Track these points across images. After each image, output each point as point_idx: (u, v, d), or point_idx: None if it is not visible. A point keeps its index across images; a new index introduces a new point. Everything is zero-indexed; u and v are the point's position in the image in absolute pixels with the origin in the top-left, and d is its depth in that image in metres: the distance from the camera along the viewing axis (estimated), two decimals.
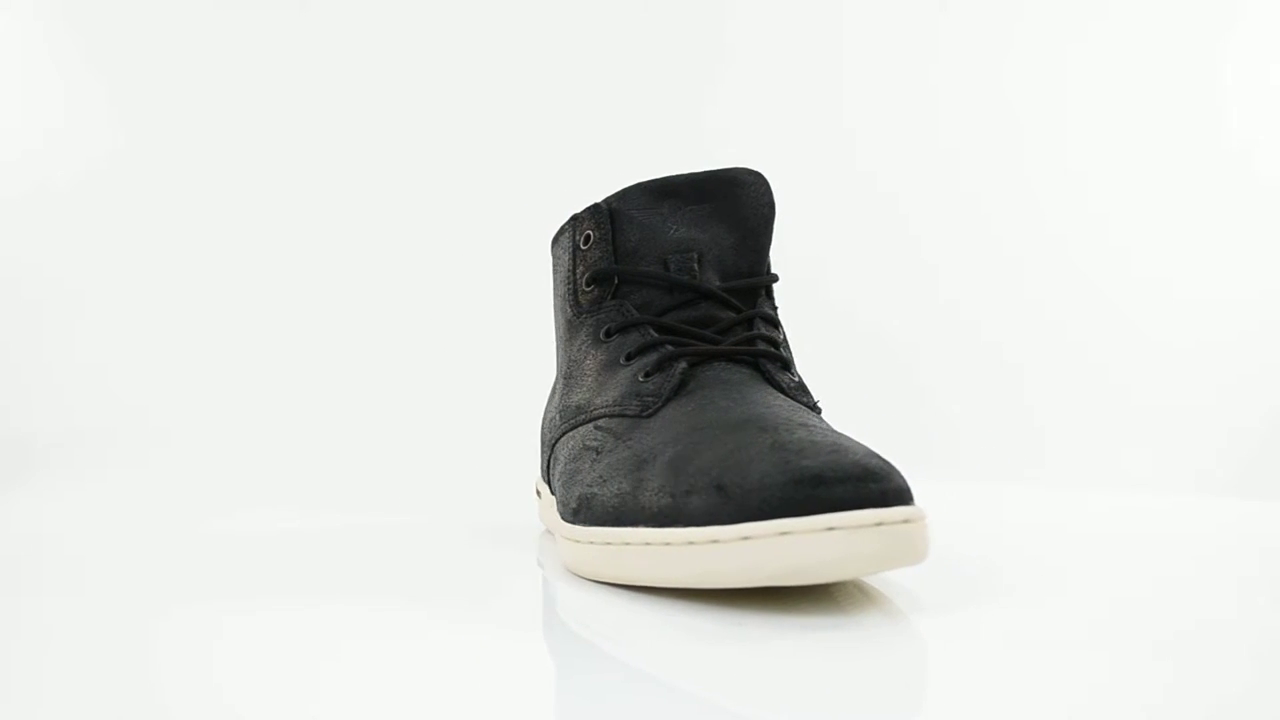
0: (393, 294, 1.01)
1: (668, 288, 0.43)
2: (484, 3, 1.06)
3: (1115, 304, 0.95)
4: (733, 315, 0.43)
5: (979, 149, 1.01)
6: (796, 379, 0.43)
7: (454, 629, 0.33)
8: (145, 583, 0.42)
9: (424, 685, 0.27)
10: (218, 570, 0.44)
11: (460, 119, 1.05)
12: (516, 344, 0.93)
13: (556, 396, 0.48)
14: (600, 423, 0.42)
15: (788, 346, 0.45)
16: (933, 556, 0.45)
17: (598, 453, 0.41)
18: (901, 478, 0.33)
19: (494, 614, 0.35)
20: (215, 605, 0.37)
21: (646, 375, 0.41)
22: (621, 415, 0.41)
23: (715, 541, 0.32)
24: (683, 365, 0.41)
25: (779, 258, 0.48)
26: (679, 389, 0.40)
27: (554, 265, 0.49)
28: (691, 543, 0.33)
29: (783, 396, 0.40)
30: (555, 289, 0.49)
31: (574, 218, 0.47)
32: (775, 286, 0.46)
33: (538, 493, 0.54)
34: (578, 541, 0.40)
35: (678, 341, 0.42)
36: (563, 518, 0.42)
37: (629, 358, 0.42)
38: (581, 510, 0.39)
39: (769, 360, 0.42)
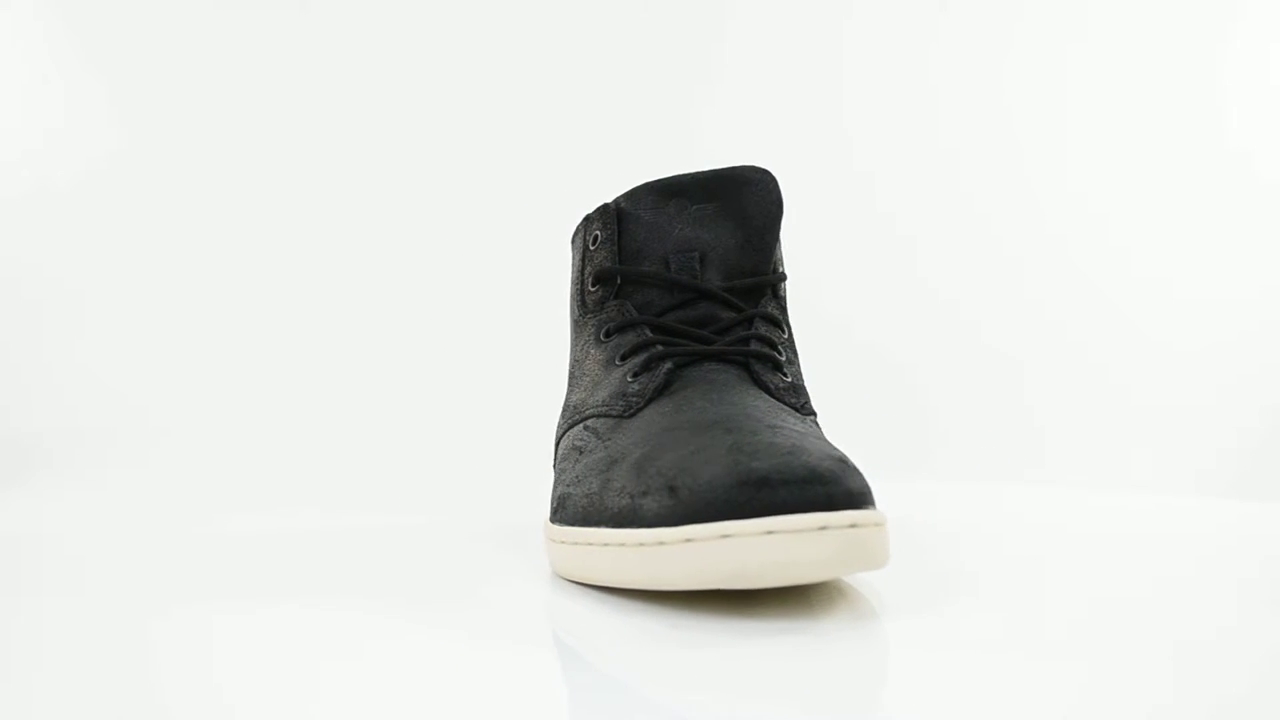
0: (394, 294, 1.01)
1: (668, 287, 0.43)
2: (503, 3, 1.06)
3: (1115, 304, 0.95)
4: (733, 315, 0.43)
5: (979, 149, 1.01)
6: (789, 380, 0.42)
7: (448, 631, 0.33)
8: (144, 583, 0.42)
9: (421, 685, 0.27)
10: (217, 570, 0.44)
11: (475, 117, 1.05)
12: (516, 343, 0.93)
13: (565, 395, 0.48)
14: (589, 423, 0.42)
15: (791, 346, 0.44)
16: (931, 556, 0.45)
17: (581, 452, 0.41)
18: (858, 481, 0.32)
19: (480, 616, 0.35)
20: (214, 605, 0.37)
21: (634, 375, 0.41)
22: (607, 415, 0.41)
23: (662, 544, 0.32)
24: (668, 365, 0.41)
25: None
26: (663, 390, 0.40)
27: (571, 264, 0.50)
28: (642, 544, 0.33)
29: (766, 397, 0.40)
30: (570, 288, 0.49)
31: (586, 218, 0.47)
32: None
33: None
34: (554, 541, 0.40)
35: (669, 342, 0.42)
36: (549, 517, 0.42)
37: (623, 358, 0.42)
38: (558, 510, 0.40)
39: (759, 361, 0.41)
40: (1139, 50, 0.99)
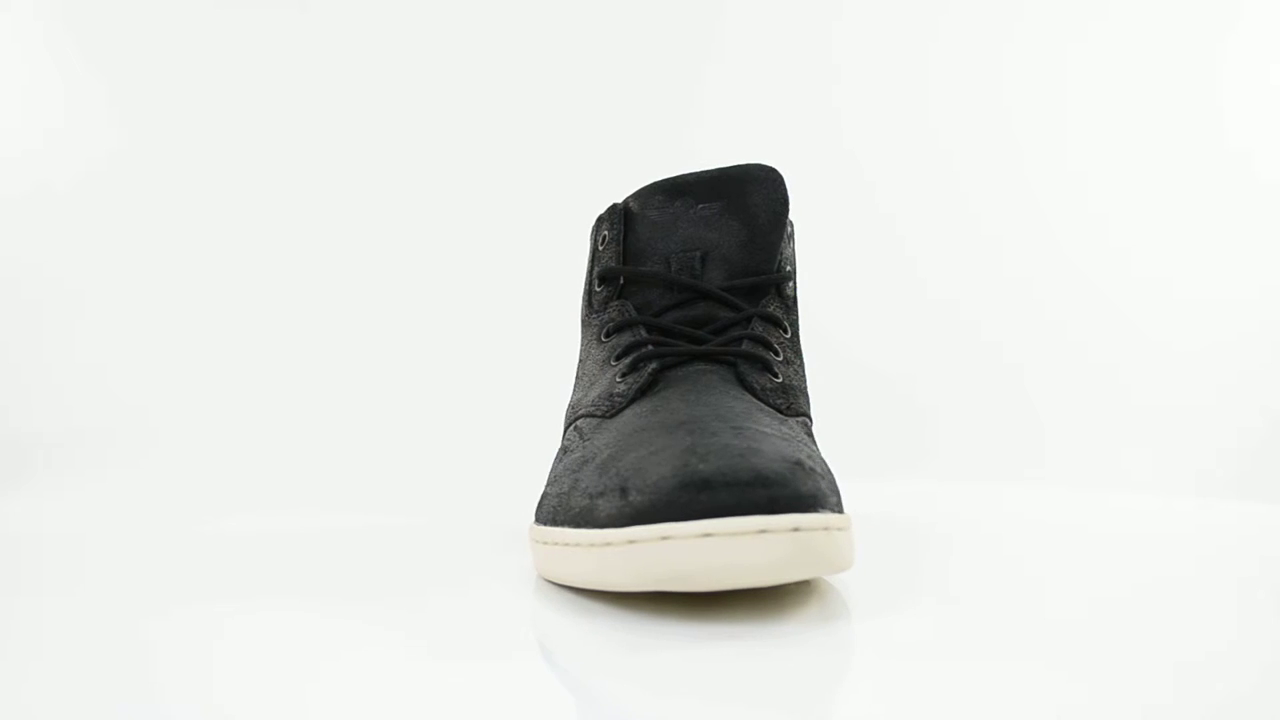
0: (395, 294, 1.01)
1: (668, 287, 0.43)
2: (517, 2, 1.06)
3: (1115, 304, 0.95)
4: (731, 314, 0.42)
5: (979, 149, 1.01)
6: (779, 380, 0.41)
7: (426, 631, 0.33)
8: (144, 583, 0.42)
9: (418, 685, 0.27)
10: (216, 570, 0.44)
11: (477, 117, 1.05)
12: (525, 342, 0.93)
13: None
14: (579, 423, 0.42)
15: (792, 346, 0.44)
16: (930, 557, 0.45)
17: (566, 452, 0.42)
18: (810, 485, 0.31)
19: (458, 618, 0.35)
20: (214, 606, 0.37)
21: (623, 376, 0.41)
22: (593, 415, 0.42)
23: (609, 544, 0.32)
24: (653, 366, 0.41)
25: None
26: (646, 390, 0.40)
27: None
28: (593, 545, 0.33)
29: (748, 398, 0.39)
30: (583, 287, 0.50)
31: (598, 217, 0.47)
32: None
33: None
34: (531, 540, 0.40)
35: (660, 342, 0.42)
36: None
37: (617, 358, 0.42)
38: (537, 509, 0.40)
39: (746, 361, 0.41)
40: (1139, 50, 0.99)
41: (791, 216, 0.47)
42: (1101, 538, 0.52)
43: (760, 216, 0.44)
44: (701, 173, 0.44)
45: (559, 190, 0.98)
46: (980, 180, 1.01)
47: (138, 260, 1.00)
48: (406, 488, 0.75)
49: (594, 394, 0.42)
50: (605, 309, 0.45)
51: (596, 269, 0.46)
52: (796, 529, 0.30)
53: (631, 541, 0.31)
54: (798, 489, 0.31)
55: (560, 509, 0.37)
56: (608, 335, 0.44)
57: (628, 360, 0.42)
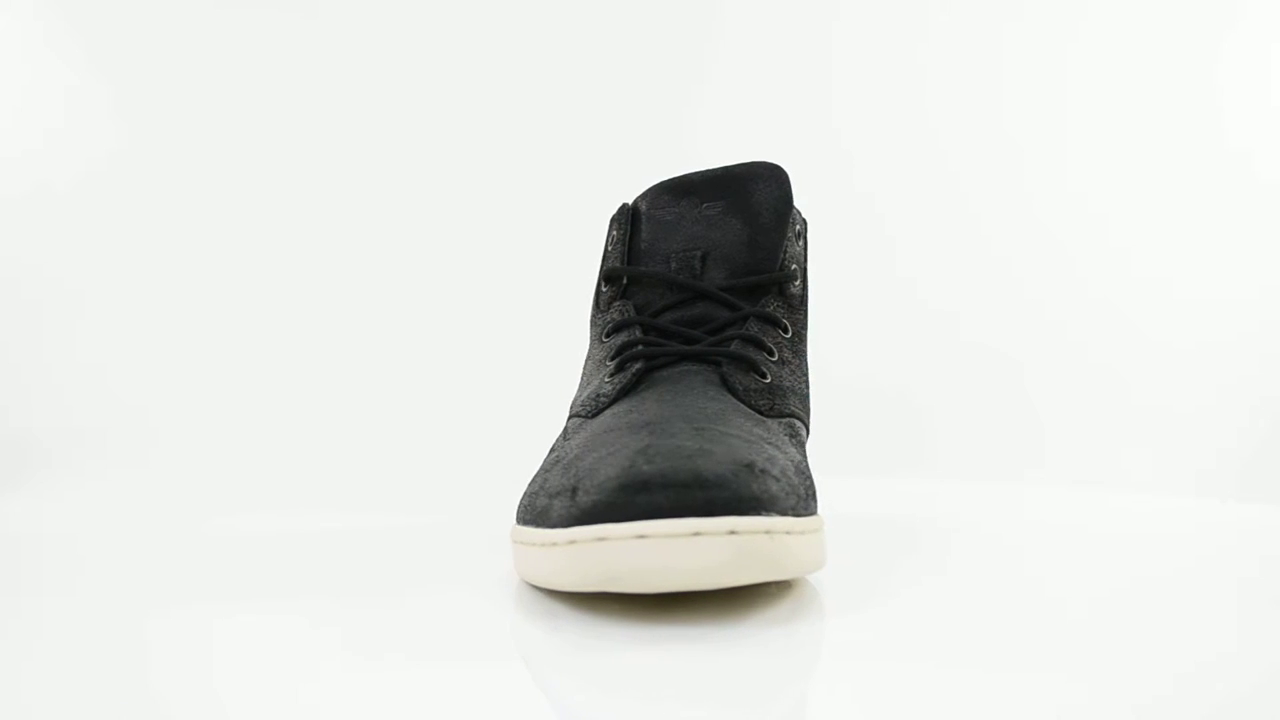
0: (396, 294, 1.01)
1: (667, 287, 0.43)
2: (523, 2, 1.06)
3: (1115, 304, 0.95)
4: (729, 314, 0.42)
5: (979, 148, 1.01)
6: (767, 381, 0.41)
7: (437, 633, 0.33)
8: (143, 583, 0.42)
9: (415, 686, 0.27)
10: (216, 570, 0.44)
11: (484, 117, 1.05)
12: (528, 342, 0.93)
13: None
14: (568, 423, 0.42)
15: (791, 346, 0.43)
16: (928, 557, 0.45)
17: (551, 452, 0.41)
18: (759, 487, 0.30)
19: (441, 620, 0.35)
20: (213, 606, 0.37)
21: (611, 376, 0.41)
22: (578, 415, 0.42)
23: (554, 544, 0.32)
24: (638, 366, 0.41)
25: None
26: (629, 391, 0.40)
27: None
28: (542, 544, 0.33)
29: (726, 399, 0.39)
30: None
31: (611, 218, 0.47)
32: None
33: None
34: (509, 539, 0.40)
35: (651, 342, 0.42)
36: None
37: (611, 358, 0.42)
38: (516, 508, 0.40)
39: (733, 361, 0.40)
40: (1139, 49, 0.98)
41: (805, 215, 0.47)
42: (1101, 538, 0.52)
43: (763, 214, 0.44)
44: (707, 171, 0.44)
45: (560, 191, 0.98)
46: (981, 180, 1.01)
47: (138, 260, 1.00)
48: (406, 488, 0.75)
49: (585, 394, 0.42)
50: (609, 309, 0.45)
51: (604, 269, 0.46)
52: (733, 532, 0.29)
53: (572, 542, 0.31)
54: (739, 491, 0.30)
55: (529, 508, 0.36)
56: (607, 335, 0.44)
57: (617, 360, 0.42)
